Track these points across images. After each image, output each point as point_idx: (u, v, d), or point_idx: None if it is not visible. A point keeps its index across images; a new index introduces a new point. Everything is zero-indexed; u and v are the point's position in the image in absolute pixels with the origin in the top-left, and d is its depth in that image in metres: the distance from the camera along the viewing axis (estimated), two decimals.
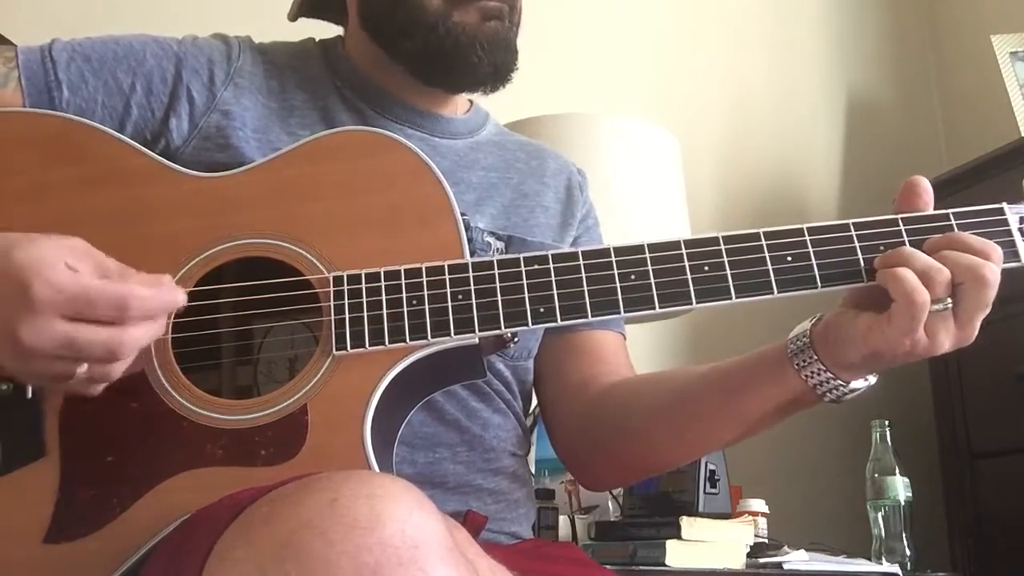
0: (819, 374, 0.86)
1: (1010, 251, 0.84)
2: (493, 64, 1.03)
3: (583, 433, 1.06)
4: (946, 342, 0.81)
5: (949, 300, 0.80)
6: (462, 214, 0.89)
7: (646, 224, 1.76)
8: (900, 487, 1.87)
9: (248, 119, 0.99)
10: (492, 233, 1.05)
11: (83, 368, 0.74)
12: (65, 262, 0.73)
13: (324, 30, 1.16)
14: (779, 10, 2.73)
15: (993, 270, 0.80)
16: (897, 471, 1.88)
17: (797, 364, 0.87)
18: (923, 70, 2.85)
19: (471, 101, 1.17)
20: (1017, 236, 0.85)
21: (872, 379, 0.87)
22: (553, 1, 2.27)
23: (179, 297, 0.78)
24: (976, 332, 0.82)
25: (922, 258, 0.81)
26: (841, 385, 0.86)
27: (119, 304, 0.73)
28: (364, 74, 1.08)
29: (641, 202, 1.78)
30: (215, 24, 1.11)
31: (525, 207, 1.10)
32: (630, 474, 1.17)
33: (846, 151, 2.71)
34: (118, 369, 0.76)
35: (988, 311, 0.81)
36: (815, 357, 0.86)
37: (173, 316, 0.85)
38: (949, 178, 2.29)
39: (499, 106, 1.16)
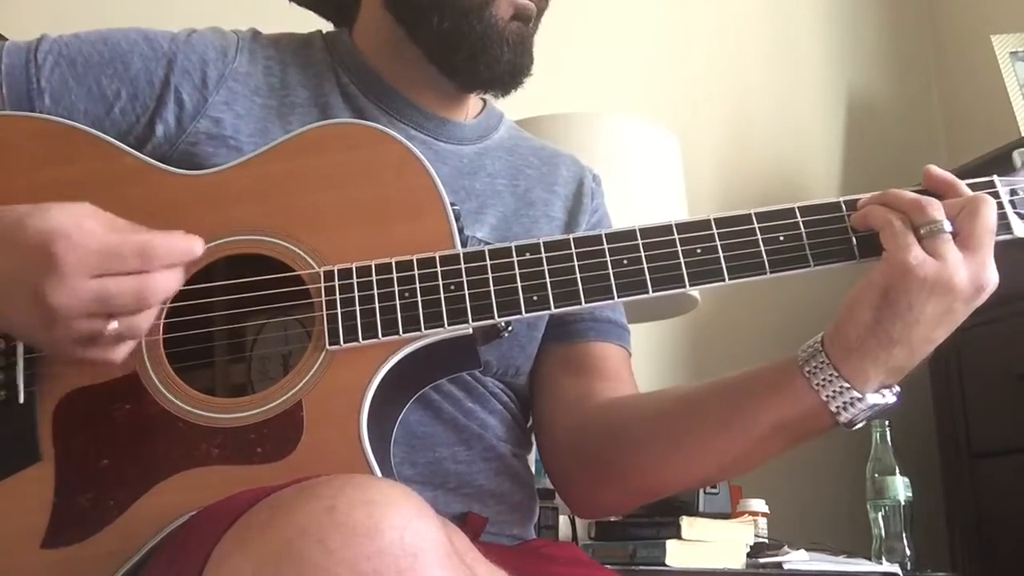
0: (831, 383, 0.82)
1: (1003, 224, 0.84)
2: (512, 64, 1.01)
3: (577, 449, 1.02)
4: (953, 263, 0.79)
5: (946, 223, 0.80)
6: (452, 205, 0.88)
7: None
8: (900, 487, 1.87)
9: (240, 126, 0.97)
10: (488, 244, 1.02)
11: (113, 325, 0.75)
12: (80, 224, 0.75)
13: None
14: (779, 10, 2.72)
15: (988, 198, 0.81)
16: (897, 471, 1.88)
17: (807, 371, 0.83)
18: (923, 70, 2.85)
19: (484, 101, 1.13)
20: (1008, 208, 0.84)
21: (890, 397, 0.83)
22: (553, 1, 2.26)
23: (196, 246, 0.79)
24: (994, 271, 0.80)
25: (909, 193, 0.83)
26: (857, 398, 0.82)
27: (143, 252, 0.75)
28: (373, 69, 1.05)
29: (641, 201, 1.77)
30: (219, 17, 1.09)
31: (528, 216, 1.07)
32: (625, 496, 1.05)
33: (846, 151, 2.70)
34: (145, 322, 0.77)
35: (994, 236, 0.81)
36: (826, 361, 0.82)
37: (164, 316, 0.84)
38: None
39: (499, 106, 1.14)
